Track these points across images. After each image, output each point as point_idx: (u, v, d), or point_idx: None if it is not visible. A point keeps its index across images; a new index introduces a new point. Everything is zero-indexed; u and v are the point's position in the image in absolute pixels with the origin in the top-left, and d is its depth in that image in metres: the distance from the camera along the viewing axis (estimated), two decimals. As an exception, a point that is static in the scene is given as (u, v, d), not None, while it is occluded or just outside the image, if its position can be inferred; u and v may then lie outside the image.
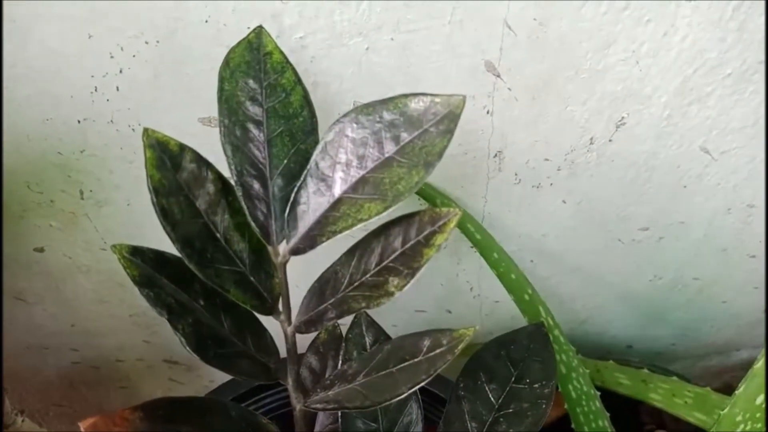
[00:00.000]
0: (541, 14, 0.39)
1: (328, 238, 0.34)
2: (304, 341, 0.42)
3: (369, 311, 0.46)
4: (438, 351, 0.33)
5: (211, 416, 0.37)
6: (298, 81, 0.36)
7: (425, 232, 0.32)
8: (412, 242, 0.33)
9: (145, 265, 0.34)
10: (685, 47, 0.41)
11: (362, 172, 0.34)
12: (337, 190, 0.34)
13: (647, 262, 0.59)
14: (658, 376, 0.59)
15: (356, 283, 0.35)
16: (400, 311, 0.64)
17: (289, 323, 0.37)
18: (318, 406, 0.36)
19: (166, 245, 0.34)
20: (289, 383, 0.39)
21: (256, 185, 0.35)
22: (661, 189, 0.51)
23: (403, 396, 0.32)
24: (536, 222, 0.54)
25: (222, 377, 0.72)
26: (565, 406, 0.49)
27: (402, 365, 0.34)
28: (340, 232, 0.33)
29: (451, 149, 0.32)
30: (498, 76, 0.42)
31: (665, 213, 0.54)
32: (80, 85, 0.41)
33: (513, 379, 0.41)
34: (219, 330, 0.36)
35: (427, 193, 0.49)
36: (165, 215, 0.32)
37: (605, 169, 0.49)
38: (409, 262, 0.32)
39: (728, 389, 0.58)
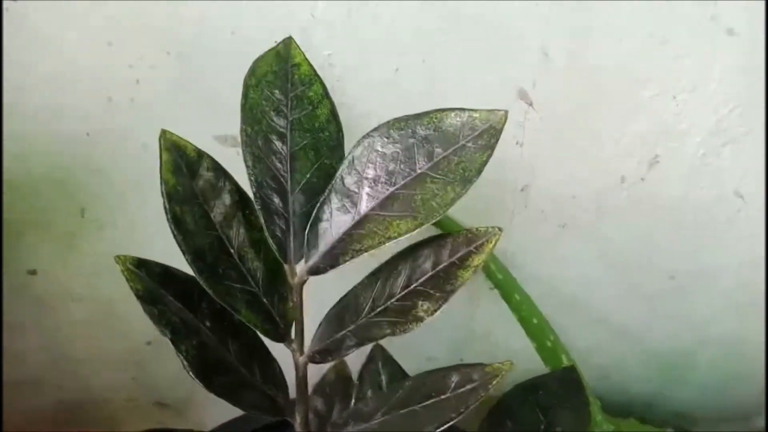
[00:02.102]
0: (580, 46, 0.38)
1: (351, 257, 0.31)
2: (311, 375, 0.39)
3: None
4: (469, 387, 0.30)
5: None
6: (326, 94, 0.34)
7: (460, 253, 0.30)
8: (445, 264, 0.30)
9: (150, 280, 0.31)
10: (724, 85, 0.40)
11: (391, 189, 0.32)
12: (364, 206, 0.32)
13: (671, 314, 0.56)
14: (681, 438, 0.56)
15: (380, 308, 0.32)
16: (409, 357, 0.60)
17: (302, 353, 0.34)
18: (329, 448, 0.33)
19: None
20: (297, 421, 0.35)
21: (276, 199, 0.33)
22: (690, 234, 0.49)
23: (428, 437, 0.29)
24: (559, 265, 0.52)
25: (212, 421, 0.67)
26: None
27: (427, 402, 0.31)
28: (366, 250, 0.31)
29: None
30: (530, 104, 0.41)
31: (693, 260, 0.51)
32: (93, 96, 0.39)
33: (542, 426, 0.37)
34: (225, 356, 0.33)
35: (446, 226, 0.47)
36: (177, 224, 0.30)
37: (634, 210, 0.47)
38: (442, 284, 0.30)
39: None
